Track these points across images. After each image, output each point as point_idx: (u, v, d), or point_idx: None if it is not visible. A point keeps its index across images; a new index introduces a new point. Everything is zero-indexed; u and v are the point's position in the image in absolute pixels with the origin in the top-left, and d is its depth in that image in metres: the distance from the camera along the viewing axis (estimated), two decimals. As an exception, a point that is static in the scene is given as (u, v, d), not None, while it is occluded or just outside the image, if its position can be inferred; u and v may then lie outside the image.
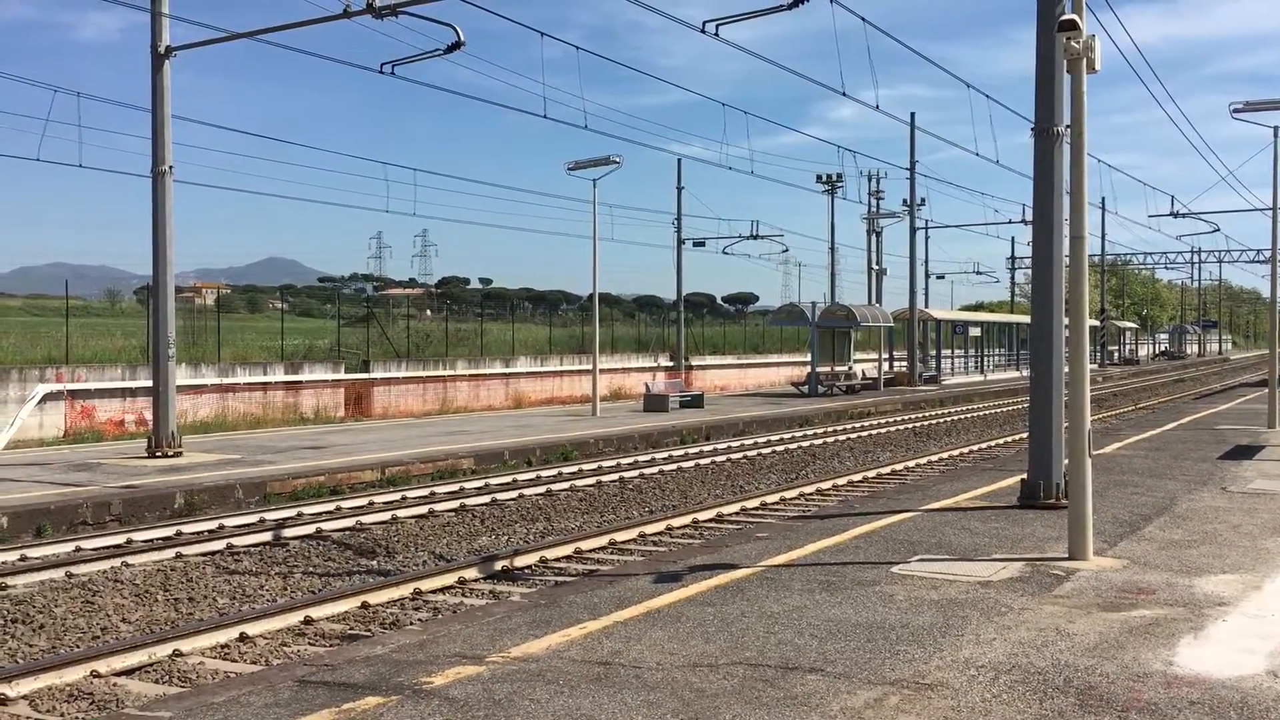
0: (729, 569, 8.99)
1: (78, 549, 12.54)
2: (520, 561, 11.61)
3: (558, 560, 11.92)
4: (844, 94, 18.85)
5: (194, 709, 5.73)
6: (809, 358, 43.02)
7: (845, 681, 5.99)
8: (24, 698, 7.41)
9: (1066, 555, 9.30)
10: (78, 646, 8.85)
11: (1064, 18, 9.25)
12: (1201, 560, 9.26)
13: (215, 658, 8.43)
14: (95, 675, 7.85)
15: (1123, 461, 16.54)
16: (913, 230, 48.96)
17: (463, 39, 16.86)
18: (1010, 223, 57.02)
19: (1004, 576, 8.61)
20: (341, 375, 31.28)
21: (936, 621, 7.24)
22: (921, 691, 5.81)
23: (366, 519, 14.43)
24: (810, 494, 16.74)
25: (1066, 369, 11.03)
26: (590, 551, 12.36)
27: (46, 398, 24.19)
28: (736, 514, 14.93)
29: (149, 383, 22.02)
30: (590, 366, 33.41)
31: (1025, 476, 12.38)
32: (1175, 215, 46.21)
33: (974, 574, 8.70)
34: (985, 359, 55.85)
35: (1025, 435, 16.57)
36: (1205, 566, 9.01)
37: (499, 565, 11.35)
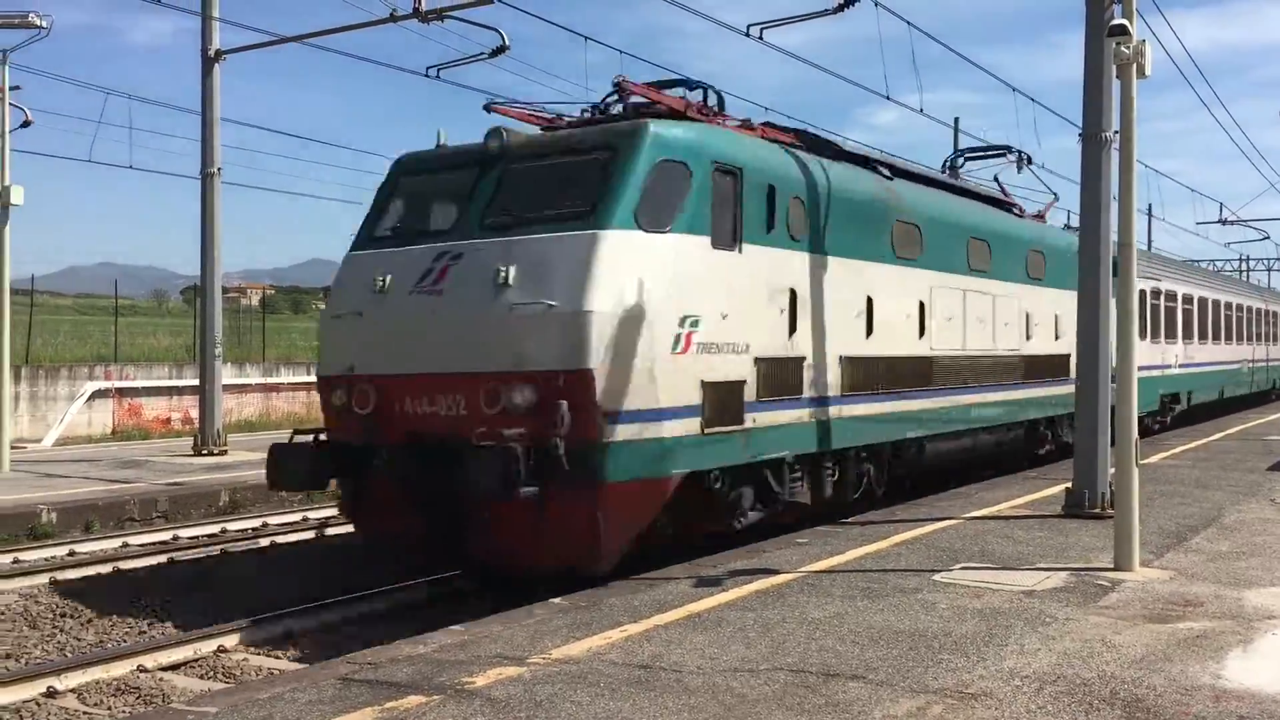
0: (769, 574, 8.96)
1: (125, 544, 12.73)
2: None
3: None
4: (888, 98, 18.77)
5: (239, 705, 5.79)
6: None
7: (887, 689, 5.95)
8: (72, 691, 7.53)
9: (1112, 566, 9.19)
10: (124, 641, 8.97)
11: (1114, 22, 9.15)
12: (1250, 572, 9.12)
13: (260, 654, 8.51)
14: (142, 670, 7.96)
15: (1169, 472, 16.32)
16: (956, 236, 48.53)
17: (507, 43, 16.93)
18: (1055, 229, 56.40)
19: (1048, 586, 8.53)
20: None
21: (980, 630, 7.18)
22: (965, 701, 5.77)
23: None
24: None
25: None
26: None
27: (95, 395, 24.57)
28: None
29: (195, 381, 22.33)
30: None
31: (1069, 485, 12.25)
32: (1224, 222, 45.66)
33: (1018, 583, 8.62)
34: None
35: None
36: (1254, 579, 8.87)
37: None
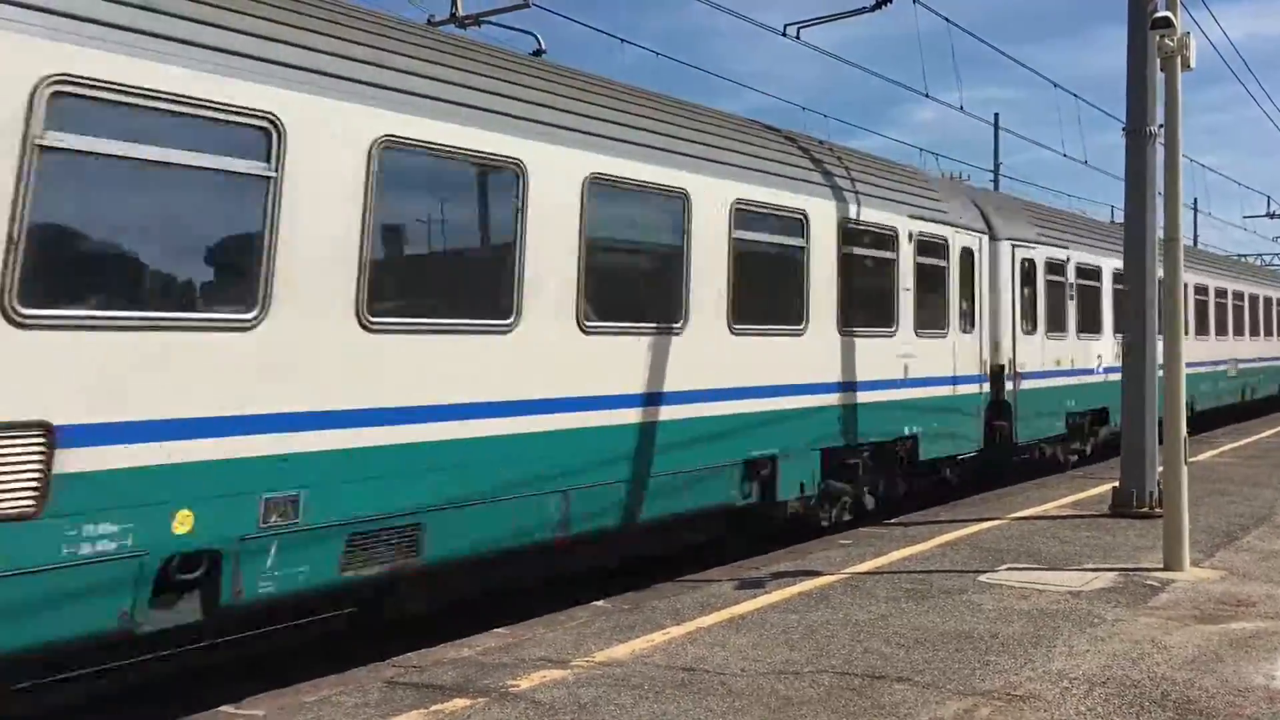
0: (812, 575, 8.92)
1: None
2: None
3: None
4: (926, 95, 18.68)
5: (286, 707, 5.85)
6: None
7: (934, 691, 5.90)
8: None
9: (1161, 565, 9.06)
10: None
11: (1157, 15, 9.05)
12: (1304, 572, 8.96)
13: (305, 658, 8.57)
14: (191, 673, 8.03)
15: (1218, 469, 16.07)
16: (997, 233, 48.13)
17: (544, 47, 16.96)
18: (1098, 224, 55.76)
19: (1096, 586, 8.42)
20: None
21: (1027, 632, 7.10)
22: (1013, 703, 5.70)
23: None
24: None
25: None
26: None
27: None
28: (819, 520, 14.77)
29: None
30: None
31: (1117, 484, 12.10)
32: (1272, 215, 45.00)
33: (1065, 583, 8.52)
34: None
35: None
36: (1308, 578, 8.71)
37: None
